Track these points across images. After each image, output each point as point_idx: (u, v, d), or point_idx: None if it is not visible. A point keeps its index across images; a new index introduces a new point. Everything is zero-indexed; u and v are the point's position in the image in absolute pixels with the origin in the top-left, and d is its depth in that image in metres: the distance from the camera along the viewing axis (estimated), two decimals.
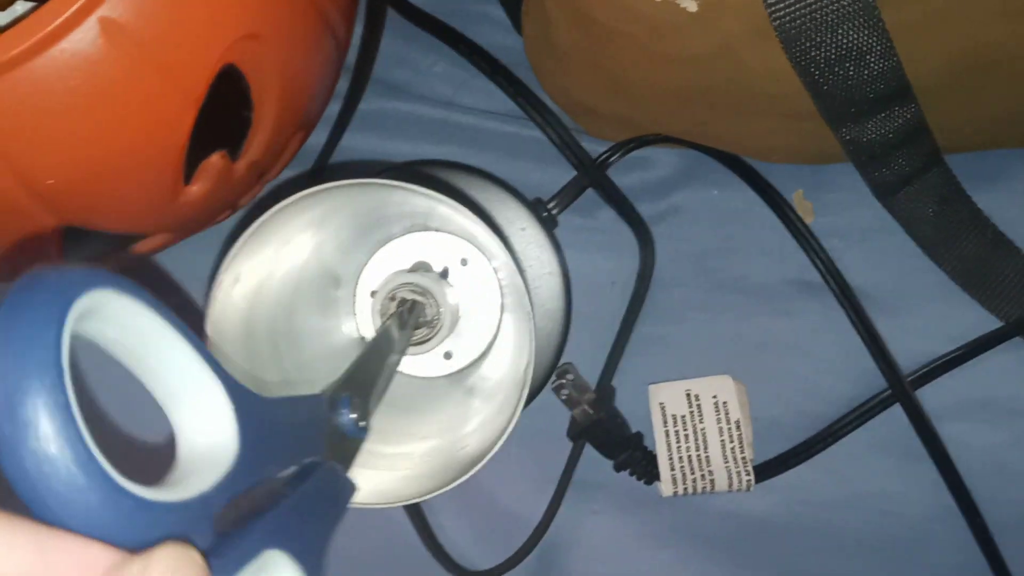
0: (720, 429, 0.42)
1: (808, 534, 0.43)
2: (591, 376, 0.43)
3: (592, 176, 0.43)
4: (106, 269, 0.15)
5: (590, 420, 0.41)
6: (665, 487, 0.42)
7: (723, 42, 0.32)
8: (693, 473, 0.41)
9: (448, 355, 0.41)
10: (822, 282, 0.42)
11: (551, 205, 0.42)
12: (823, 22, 0.29)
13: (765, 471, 0.42)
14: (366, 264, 0.41)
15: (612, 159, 0.42)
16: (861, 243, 0.43)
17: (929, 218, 0.40)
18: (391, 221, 0.40)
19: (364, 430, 0.26)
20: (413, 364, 0.41)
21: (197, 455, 0.18)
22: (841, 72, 0.31)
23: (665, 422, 0.42)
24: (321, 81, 0.37)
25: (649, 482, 0.42)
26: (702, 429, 0.42)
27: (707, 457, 0.41)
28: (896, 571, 0.43)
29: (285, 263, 0.36)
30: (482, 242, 0.40)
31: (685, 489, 0.42)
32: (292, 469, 0.22)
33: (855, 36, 0.30)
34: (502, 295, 0.41)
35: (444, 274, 0.40)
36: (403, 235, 0.41)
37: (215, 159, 0.33)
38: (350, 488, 0.24)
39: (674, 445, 0.42)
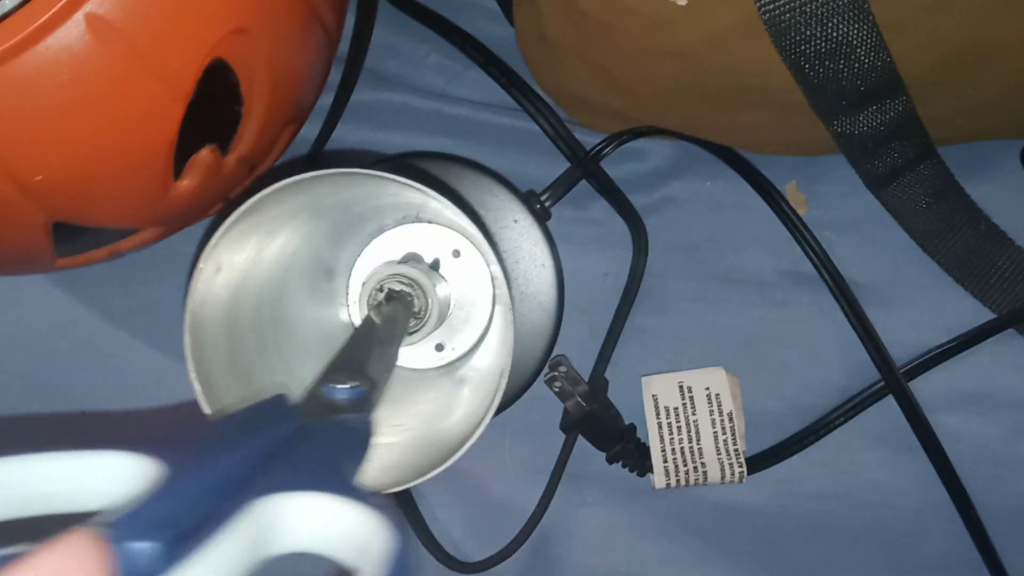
0: (713, 421, 0.42)
1: (800, 526, 0.43)
2: (584, 368, 0.43)
3: (585, 168, 0.42)
4: None
5: (583, 412, 0.41)
6: (658, 479, 0.42)
7: (713, 36, 0.31)
8: (686, 465, 0.42)
9: (440, 347, 0.41)
10: (815, 274, 0.42)
11: (544, 197, 0.42)
12: (813, 16, 0.29)
13: (758, 463, 0.42)
14: (359, 255, 0.41)
15: (605, 151, 0.42)
16: (854, 235, 0.43)
17: (922, 210, 0.40)
18: (384, 212, 0.40)
19: (363, 396, 0.25)
20: (405, 355, 0.41)
21: None
22: (831, 66, 0.31)
23: (658, 414, 0.42)
24: (311, 74, 0.37)
25: (642, 474, 0.42)
26: (695, 421, 0.42)
27: (700, 449, 0.42)
28: (889, 562, 0.43)
29: (272, 252, 0.36)
30: (471, 234, 0.40)
31: (678, 481, 0.42)
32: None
33: (845, 30, 0.29)
34: (494, 287, 0.41)
35: (435, 265, 0.40)
36: (396, 226, 0.41)
37: (205, 153, 0.33)
38: (364, 427, 0.23)
39: (667, 437, 0.42)
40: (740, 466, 0.41)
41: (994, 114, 0.37)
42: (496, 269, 0.32)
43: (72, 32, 0.27)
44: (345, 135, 0.44)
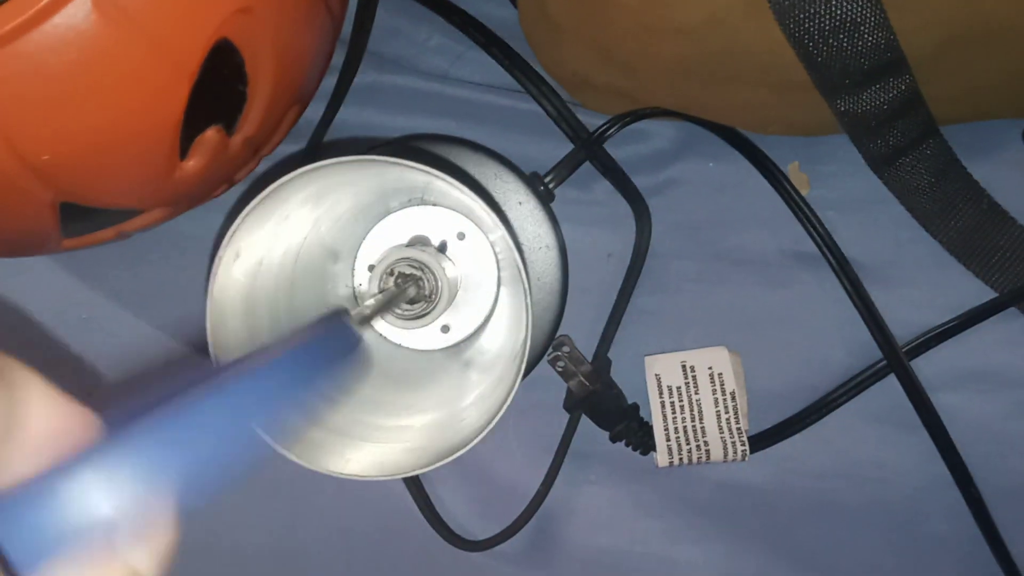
0: (715, 400, 0.42)
1: (802, 503, 0.43)
2: (588, 348, 0.43)
3: (589, 149, 0.43)
4: None
5: (586, 392, 0.41)
6: (661, 458, 0.42)
7: (716, 13, 0.31)
8: (688, 444, 0.42)
9: (446, 328, 0.41)
10: (817, 253, 0.42)
11: (548, 179, 0.42)
12: None
13: (760, 441, 0.43)
14: (364, 238, 0.42)
15: (609, 132, 0.42)
16: (856, 214, 0.43)
17: (924, 189, 0.40)
18: (388, 196, 0.40)
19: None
20: (411, 337, 0.41)
21: None
22: (835, 43, 0.31)
23: (661, 393, 0.42)
24: (316, 55, 0.37)
25: (645, 453, 0.43)
26: (697, 400, 0.42)
27: (702, 428, 0.42)
28: (890, 540, 0.43)
29: (285, 239, 0.36)
30: (479, 216, 0.40)
31: (681, 459, 0.42)
32: None
33: (849, 7, 0.30)
34: (499, 268, 0.41)
35: (442, 248, 0.41)
36: (401, 209, 0.41)
37: (210, 134, 0.33)
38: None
39: (670, 416, 0.42)
40: (743, 445, 0.42)
41: (997, 93, 0.37)
42: (514, 255, 0.32)
43: (78, 11, 0.27)
44: (348, 117, 0.44)
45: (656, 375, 0.42)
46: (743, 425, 0.42)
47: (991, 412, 0.42)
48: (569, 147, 0.43)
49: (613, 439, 0.42)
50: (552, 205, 0.43)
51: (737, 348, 0.43)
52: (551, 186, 0.43)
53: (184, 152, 0.33)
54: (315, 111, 0.43)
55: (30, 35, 0.27)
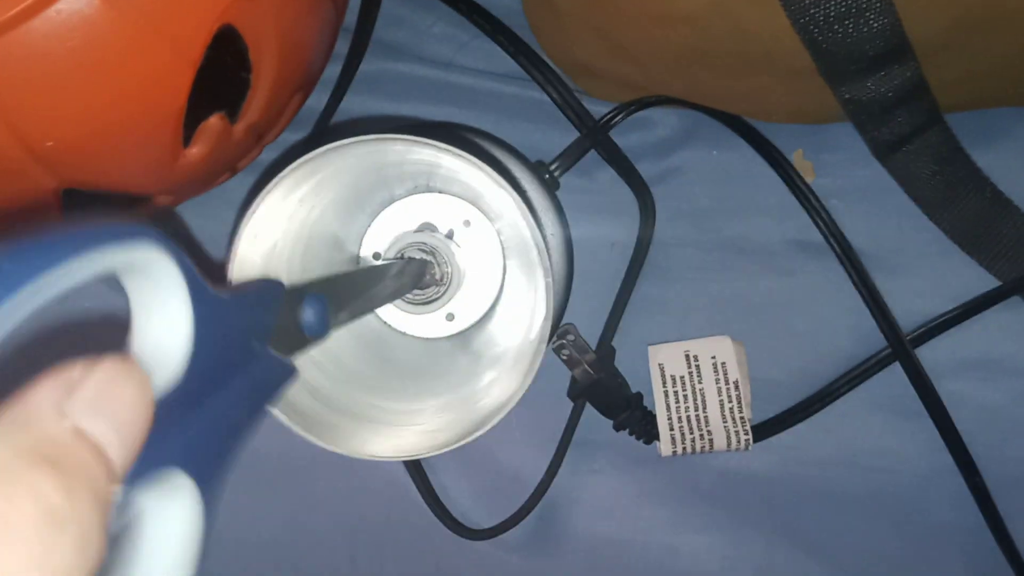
0: (719, 389, 0.42)
1: (806, 492, 0.43)
2: (591, 337, 0.43)
3: (594, 138, 0.43)
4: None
5: (590, 380, 0.41)
6: (664, 447, 0.42)
7: (720, 0, 0.31)
8: (692, 433, 0.42)
9: (450, 316, 0.41)
10: (821, 242, 0.42)
11: (553, 167, 0.42)
12: None
13: (764, 430, 0.43)
14: (369, 226, 0.42)
15: (615, 120, 0.42)
16: (860, 203, 0.43)
17: (928, 177, 0.40)
18: (392, 183, 0.40)
19: (323, 331, 0.25)
20: (416, 324, 0.41)
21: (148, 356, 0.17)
22: (840, 30, 0.31)
23: (664, 382, 0.42)
24: (319, 42, 0.37)
25: (648, 442, 0.43)
26: (701, 389, 0.42)
27: (706, 417, 0.42)
28: (894, 528, 0.43)
29: (297, 222, 0.36)
30: (486, 202, 0.40)
31: (684, 449, 0.42)
32: (223, 362, 0.20)
33: None
34: (504, 256, 0.41)
35: (450, 235, 0.41)
36: (406, 197, 0.41)
37: (214, 121, 0.33)
38: (287, 373, 0.23)
39: (673, 405, 0.42)
40: (746, 434, 0.42)
41: (1002, 80, 0.36)
42: (533, 235, 0.32)
43: None
44: (352, 106, 0.44)
45: (660, 364, 0.42)
46: (746, 414, 0.42)
47: (995, 400, 0.42)
48: (574, 135, 0.43)
49: (617, 428, 0.42)
50: (557, 193, 0.43)
51: (741, 337, 0.43)
52: (556, 174, 0.42)
53: (188, 139, 0.33)
54: (319, 99, 0.43)
55: (33, 21, 0.27)
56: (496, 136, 0.42)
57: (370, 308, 0.32)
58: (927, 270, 0.43)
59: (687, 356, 0.42)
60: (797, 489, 0.43)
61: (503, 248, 0.41)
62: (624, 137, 0.43)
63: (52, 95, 0.29)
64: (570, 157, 0.42)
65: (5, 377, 0.14)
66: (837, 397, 0.43)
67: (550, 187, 0.42)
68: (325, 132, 0.43)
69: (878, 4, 0.30)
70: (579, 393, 0.42)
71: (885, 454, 0.43)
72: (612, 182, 0.44)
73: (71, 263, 0.14)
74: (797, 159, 0.43)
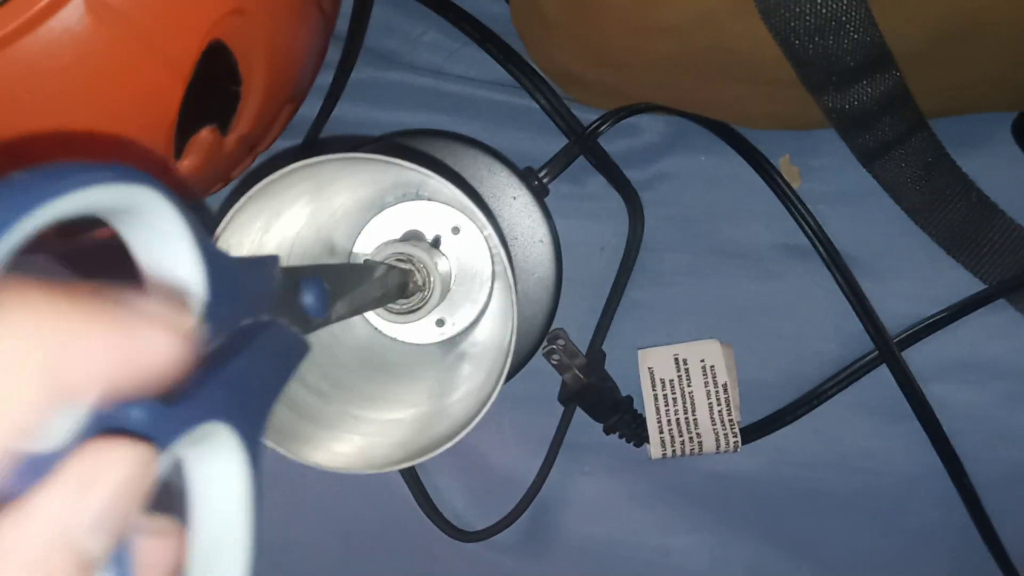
0: (708, 392, 0.42)
1: (795, 494, 0.44)
2: (582, 341, 0.43)
3: (583, 144, 0.43)
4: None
5: (580, 384, 0.42)
6: (654, 449, 0.43)
7: (705, 12, 0.32)
8: (681, 435, 0.42)
9: (440, 322, 0.42)
10: (808, 246, 0.43)
11: (542, 174, 0.43)
12: None
13: (752, 433, 0.43)
14: (360, 232, 0.42)
15: (603, 127, 0.42)
16: (847, 207, 0.43)
17: (913, 182, 0.40)
18: (385, 191, 0.41)
19: (324, 313, 0.26)
20: (406, 331, 0.42)
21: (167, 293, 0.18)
22: (821, 42, 0.31)
23: (654, 386, 0.43)
24: (309, 54, 0.37)
25: (638, 444, 0.43)
26: (690, 392, 0.42)
27: (695, 420, 0.42)
28: (882, 529, 0.44)
29: (278, 234, 0.36)
30: (472, 213, 0.40)
31: (674, 451, 0.43)
32: (242, 327, 0.21)
33: (834, 6, 0.30)
34: (493, 263, 0.41)
35: (436, 243, 0.41)
36: (396, 204, 0.42)
37: (205, 134, 0.34)
38: (302, 347, 0.23)
39: (662, 408, 0.43)
40: (735, 436, 0.42)
41: (985, 87, 0.37)
42: (497, 244, 0.33)
43: (73, 15, 0.27)
44: (344, 113, 0.44)
45: (649, 368, 0.43)
46: (735, 417, 0.42)
47: (981, 402, 0.43)
48: (563, 142, 0.43)
49: (607, 431, 0.43)
50: (546, 199, 0.43)
51: (729, 340, 0.43)
52: (545, 181, 0.43)
53: (179, 152, 0.33)
54: (311, 107, 0.44)
55: (26, 39, 0.27)
56: (485, 143, 0.43)
57: (362, 305, 0.32)
58: (913, 273, 0.43)
59: (676, 360, 0.43)
60: (786, 490, 0.44)
61: (492, 254, 0.41)
62: (613, 143, 0.44)
63: (45, 111, 0.29)
64: (559, 163, 0.43)
65: None
66: (825, 399, 0.43)
67: (539, 193, 0.43)
68: (315, 142, 0.44)
69: (858, 17, 0.30)
70: (569, 397, 0.42)
71: (872, 455, 0.43)
72: (601, 188, 0.44)
73: (65, 196, 0.14)
74: (784, 164, 0.43)
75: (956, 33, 0.32)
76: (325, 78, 0.43)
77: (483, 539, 0.44)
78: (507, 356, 0.32)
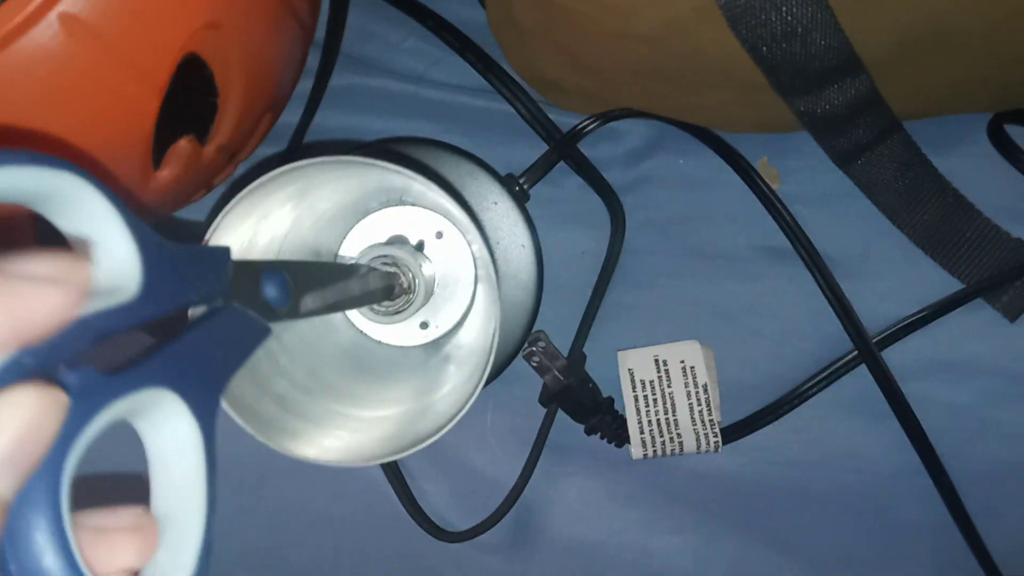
0: (688, 393, 0.43)
1: (776, 492, 0.44)
2: (564, 344, 0.44)
3: (562, 150, 0.43)
4: None
5: (561, 386, 0.42)
6: (635, 450, 0.43)
7: (674, 20, 0.32)
8: (662, 436, 0.43)
9: (424, 325, 0.42)
10: (788, 247, 0.43)
11: (522, 179, 0.43)
12: (766, 0, 0.30)
13: (733, 432, 0.43)
14: (344, 237, 0.43)
15: (583, 132, 0.43)
16: (825, 209, 0.43)
17: (890, 184, 0.41)
18: (369, 196, 0.41)
19: (286, 304, 0.27)
20: (390, 333, 0.42)
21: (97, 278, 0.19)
22: (788, 48, 0.32)
23: (634, 387, 0.43)
24: (286, 64, 0.38)
25: (620, 445, 0.44)
26: (670, 393, 0.43)
27: (675, 420, 0.43)
28: (863, 526, 0.44)
29: (265, 236, 0.37)
30: (455, 217, 0.41)
31: (655, 451, 0.43)
32: (195, 311, 0.23)
33: (799, 12, 0.30)
34: (476, 267, 0.42)
35: (420, 247, 0.42)
36: (380, 209, 0.42)
37: (183, 144, 0.34)
38: (261, 331, 0.25)
39: (643, 409, 0.43)
40: (715, 436, 0.43)
41: (956, 90, 0.37)
42: (480, 249, 0.33)
43: (46, 32, 0.28)
44: (325, 120, 0.45)
45: (629, 369, 0.43)
46: (716, 417, 0.43)
47: (961, 400, 0.43)
48: (543, 147, 0.44)
49: (588, 432, 0.43)
50: (527, 205, 0.43)
51: (710, 341, 0.44)
52: (526, 186, 0.43)
53: (158, 162, 0.34)
54: (293, 114, 0.44)
55: (1, 56, 0.28)
56: (466, 150, 0.43)
57: (340, 302, 0.33)
58: (892, 274, 0.43)
59: (656, 361, 0.43)
60: (768, 489, 0.44)
61: (475, 258, 0.42)
62: (593, 148, 0.44)
63: (21, 123, 0.30)
64: (539, 170, 0.43)
65: None
66: (805, 399, 0.43)
67: (520, 199, 0.43)
68: (298, 148, 0.44)
69: (823, 23, 0.31)
70: (550, 398, 0.43)
71: (853, 454, 0.44)
72: (582, 192, 0.45)
73: None
74: (763, 166, 0.44)
75: (923, 39, 0.32)
76: (305, 85, 0.44)
77: (467, 539, 0.44)
78: (490, 354, 0.33)
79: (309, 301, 0.29)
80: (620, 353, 0.44)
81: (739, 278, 0.44)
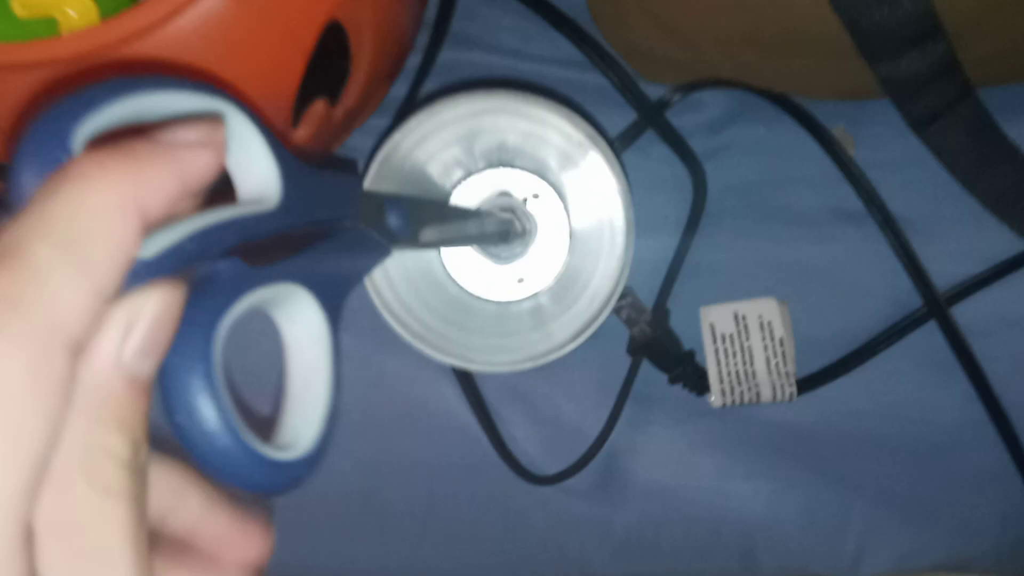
0: (765, 346, 0.46)
1: (846, 440, 0.47)
2: (648, 300, 0.47)
3: (651, 118, 0.47)
4: None
5: (647, 338, 0.45)
6: (715, 398, 0.46)
7: None
8: (740, 386, 0.46)
9: (521, 280, 0.45)
10: (860, 210, 0.46)
11: (613, 146, 0.46)
12: None
13: (807, 384, 0.46)
14: (451, 195, 0.46)
15: (671, 102, 0.46)
16: (898, 173, 0.46)
17: (961, 149, 0.43)
18: (470, 159, 0.45)
19: (405, 232, 0.31)
20: (490, 289, 0.46)
21: (245, 190, 0.23)
22: (877, 12, 0.34)
23: (715, 340, 0.46)
24: (408, 31, 0.41)
25: (700, 394, 0.47)
26: (748, 346, 0.46)
27: (753, 371, 0.46)
28: (930, 473, 0.47)
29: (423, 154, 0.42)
30: (556, 173, 0.44)
31: (733, 400, 0.46)
32: (328, 228, 0.26)
33: None
34: (570, 224, 0.45)
35: (525, 202, 0.45)
36: (484, 170, 0.46)
37: (318, 105, 0.38)
38: (383, 250, 0.29)
39: (723, 361, 0.46)
40: (791, 386, 0.45)
41: None
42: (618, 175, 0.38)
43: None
44: (431, 93, 0.48)
45: (711, 323, 0.46)
46: (791, 368, 0.46)
47: None
48: (632, 116, 0.47)
49: (671, 381, 0.47)
50: None
51: (786, 299, 0.47)
52: (617, 152, 0.46)
53: (296, 121, 0.37)
54: (400, 89, 0.48)
55: (179, 18, 0.31)
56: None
57: (455, 237, 0.37)
58: (961, 235, 0.46)
59: (735, 316, 0.46)
60: (838, 438, 0.47)
61: (569, 218, 0.45)
62: (679, 118, 0.47)
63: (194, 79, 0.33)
64: (628, 136, 0.46)
65: None
66: (876, 353, 0.46)
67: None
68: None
69: None
70: (637, 350, 0.46)
71: (921, 405, 0.46)
72: (667, 159, 0.48)
73: (151, 93, 0.19)
74: (839, 133, 0.47)
75: (1001, 3, 0.35)
76: (413, 60, 0.47)
77: (555, 483, 0.47)
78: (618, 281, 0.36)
79: (428, 233, 0.33)
80: (702, 308, 0.47)
81: (815, 240, 0.47)
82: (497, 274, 0.45)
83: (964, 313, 0.45)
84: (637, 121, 0.46)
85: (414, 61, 0.47)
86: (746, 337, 0.46)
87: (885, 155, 0.46)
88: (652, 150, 0.48)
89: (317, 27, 0.34)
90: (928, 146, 0.44)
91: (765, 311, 0.46)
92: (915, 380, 0.46)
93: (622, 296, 0.46)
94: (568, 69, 0.48)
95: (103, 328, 0.17)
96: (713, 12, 0.38)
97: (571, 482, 0.47)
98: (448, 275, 0.46)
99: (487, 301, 0.46)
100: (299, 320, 0.23)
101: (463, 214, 0.39)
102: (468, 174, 0.45)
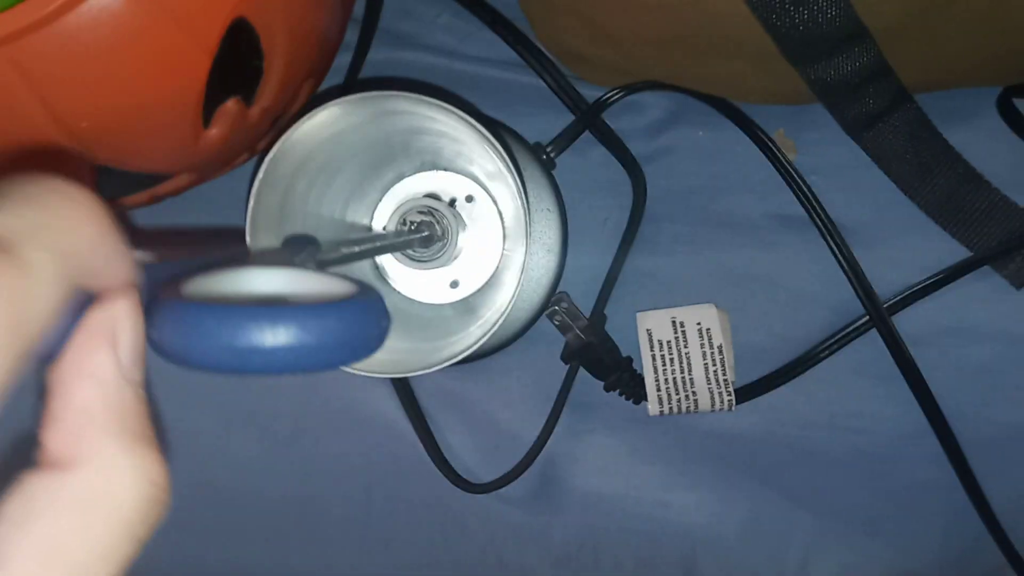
0: (703, 353, 0.45)
1: (787, 451, 0.46)
2: (586, 306, 0.46)
3: (588, 120, 0.45)
4: None
5: (581, 344, 0.44)
6: (652, 406, 0.45)
7: None
8: (678, 394, 0.45)
9: (455, 284, 0.45)
10: (802, 216, 0.45)
11: (549, 148, 0.45)
12: None
13: (747, 393, 0.45)
14: (380, 200, 0.45)
15: (608, 103, 0.45)
16: (839, 179, 0.45)
17: (901, 154, 0.42)
18: (400, 161, 0.44)
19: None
20: (424, 292, 0.45)
21: None
22: (796, 15, 0.33)
23: (652, 347, 0.45)
24: (328, 32, 0.40)
25: (637, 402, 0.46)
26: (686, 353, 0.45)
27: (691, 379, 0.45)
28: (872, 484, 0.46)
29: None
30: (487, 176, 0.43)
31: (671, 408, 0.45)
32: None
33: None
34: (504, 228, 0.44)
35: (452, 203, 0.44)
36: (415, 174, 0.45)
37: (230, 105, 0.37)
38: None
39: (660, 368, 0.45)
40: (729, 395, 0.44)
41: (964, 62, 0.39)
42: (520, 195, 0.36)
43: None
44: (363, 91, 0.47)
45: (648, 330, 0.45)
46: (730, 377, 0.45)
47: (968, 364, 0.45)
48: (569, 118, 0.46)
49: (607, 389, 0.45)
50: (553, 172, 0.46)
51: (726, 305, 0.46)
52: (552, 155, 0.45)
53: (207, 121, 0.36)
54: (330, 84, 0.47)
55: (69, 16, 0.30)
56: (497, 120, 0.45)
57: (363, 252, 0.37)
58: (903, 242, 0.45)
59: (673, 322, 0.45)
60: (780, 448, 0.46)
61: (503, 221, 0.44)
62: (617, 119, 0.46)
63: (86, 81, 0.32)
64: (566, 139, 0.45)
65: None
66: (817, 362, 0.45)
67: (547, 167, 0.45)
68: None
69: None
70: (571, 355, 0.45)
71: (862, 416, 0.45)
72: (605, 162, 0.47)
73: None
74: (779, 138, 0.46)
75: (928, 8, 0.34)
76: (344, 59, 0.46)
77: (491, 491, 0.46)
78: (520, 273, 0.35)
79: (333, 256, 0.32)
80: (639, 314, 0.46)
81: (755, 246, 0.46)
82: (431, 278, 0.44)
83: (907, 322, 0.44)
84: (574, 123, 0.45)
85: (345, 59, 0.46)
86: (684, 344, 0.45)
87: (827, 160, 0.45)
88: (591, 152, 0.47)
89: (221, 25, 0.33)
90: (867, 152, 0.43)
91: (704, 317, 0.45)
92: (857, 389, 0.45)
93: (555, 301, 0.45)
94: (505, 70, 0.47)
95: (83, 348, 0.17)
96: (635, 14, 0.37)
97: (508, 490, 0.47)
98: (385, 280, 0.46)
99: (422, 304, 0.45)
100: None
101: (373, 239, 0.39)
102: (400, 177, 0.44)
